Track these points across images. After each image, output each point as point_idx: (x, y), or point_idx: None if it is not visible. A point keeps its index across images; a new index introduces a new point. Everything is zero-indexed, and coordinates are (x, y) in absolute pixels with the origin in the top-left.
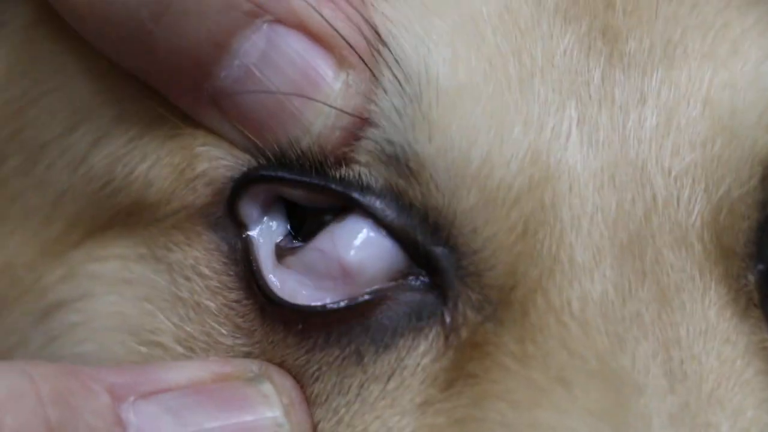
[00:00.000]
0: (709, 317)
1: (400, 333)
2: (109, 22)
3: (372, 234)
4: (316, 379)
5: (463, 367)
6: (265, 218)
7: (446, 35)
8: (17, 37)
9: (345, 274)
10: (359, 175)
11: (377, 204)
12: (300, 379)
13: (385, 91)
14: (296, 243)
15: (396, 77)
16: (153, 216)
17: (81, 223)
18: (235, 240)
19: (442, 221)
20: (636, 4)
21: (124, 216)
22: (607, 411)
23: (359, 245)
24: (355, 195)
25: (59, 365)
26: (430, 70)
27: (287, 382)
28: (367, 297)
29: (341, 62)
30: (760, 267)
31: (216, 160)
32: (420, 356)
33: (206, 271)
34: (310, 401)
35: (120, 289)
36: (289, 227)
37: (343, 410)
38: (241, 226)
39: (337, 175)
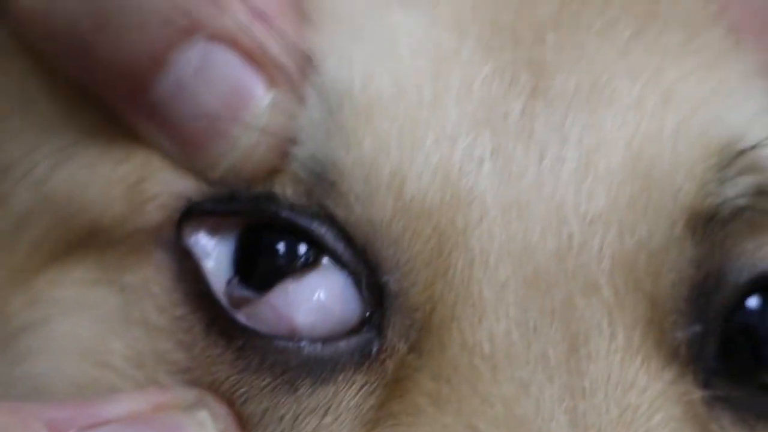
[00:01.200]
0: (613, 364)
1: (340, 368)
2: (53, 34)
3: (325, 296)
4: (245, 401)
5: (387, 406)
6: (215, 242)
7: (366, 57)
8: None
9: (295, 334)
10: (291, 196)
11: (317, 228)
12: (230, 399)
13: (308, 109)
14: (246, 292)
15: (318, 95)
16: (109, 239)
17: (44, 247)
18: (183, 258)
19: (363, 237)
20: (565, 41)
21: (83, 239)
22: None
23: (313, 307)
24: (286, 215)
25: None
26: (348, 87)
27: (222, 409)
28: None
29: (271, 81)
30: (696, 328)
31: (166, 184)
32: (355, 392)
33: (156, 290)
34: (242, 423)
35: (77, 313)
36: (236, 256)
37: None
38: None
39: (273, 198)
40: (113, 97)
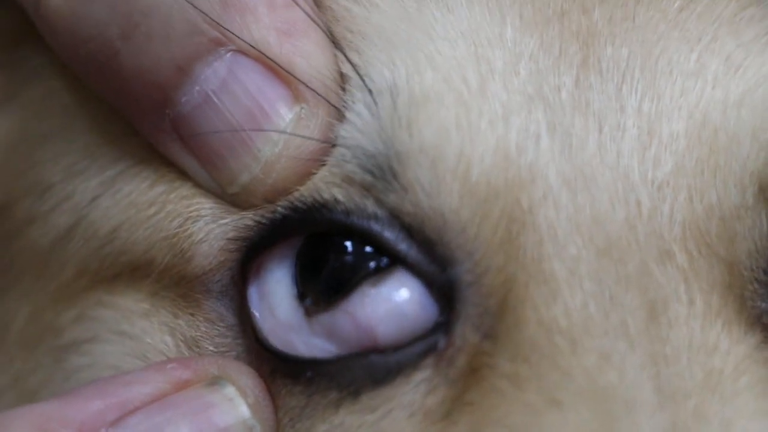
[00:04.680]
0: (693, 329)
1: (400, 369)
2: (80, 38)
3: (402, 300)
4: (310, 416)
5: (461, 397)
6: (274, 267)
7: (406, 57)
8: (37, 91)
9: (373, 342)
10: (344, 200)
11: (377, 230)
12: (294, 417)
13: (358, 113)
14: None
15: (365, 98)
16: (157, 280)
17: (87, 272)
18: (240, 309)
19: (432, 230)
20: (613, 13)
21: (129, 271)
22: (603, 430)
23: (390, 314)
24: (343, 219)
25: (28, 418)
26: (394, 85)
27: (248, 381)
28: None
29: (296, 96)
30: None
31: (209, 225)
32: (411, 389)
33: (209, 346)
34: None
35: (122, 341)
36: (296, 290)
37: None
38: (243, 296)
39: (326, 206)
40: (136, 110)
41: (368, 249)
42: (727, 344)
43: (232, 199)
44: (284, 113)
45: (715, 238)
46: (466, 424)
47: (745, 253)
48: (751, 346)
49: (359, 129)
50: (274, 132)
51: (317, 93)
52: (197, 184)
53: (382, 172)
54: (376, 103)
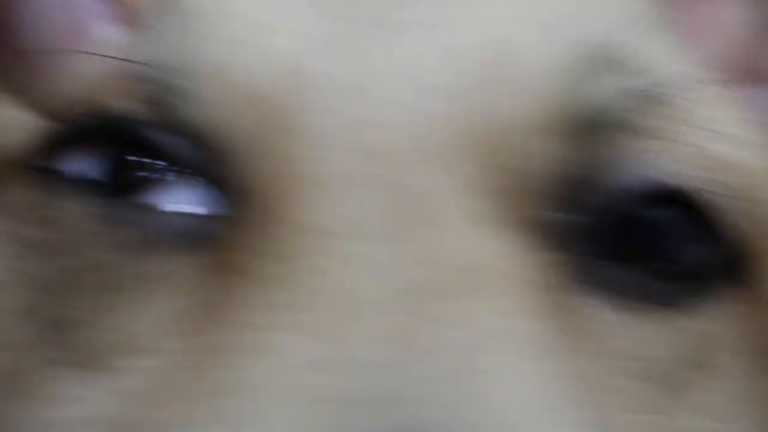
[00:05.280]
0: (457, 233)
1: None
2: None
3: (187, 204)
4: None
5: (217, 297)
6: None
7: None
8: None
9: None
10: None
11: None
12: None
13: (154, 29)
14: None
15: (164, 11)
16: None
17: None
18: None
19: (215, 139)
20: None
21: None
22: (328, 329)
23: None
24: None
25: None
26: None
27: None
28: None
29: (113, 15)
30: (567, 216)
31: (10, 130)
32: (184, 266)
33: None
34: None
35: None
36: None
37: None
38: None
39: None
40: None
41: (157, 160)
42: (493, 247)
43: (36, 109)
44: (103, 33)
45: (495, 149)
46: (212, 322)
47: (531, 169)
48: (522, 248)
49: (153, 44)
50: (85, 48)
51: (128, 11)
52: (4, 91)
53: (170, 87)
54: (168, 20)
